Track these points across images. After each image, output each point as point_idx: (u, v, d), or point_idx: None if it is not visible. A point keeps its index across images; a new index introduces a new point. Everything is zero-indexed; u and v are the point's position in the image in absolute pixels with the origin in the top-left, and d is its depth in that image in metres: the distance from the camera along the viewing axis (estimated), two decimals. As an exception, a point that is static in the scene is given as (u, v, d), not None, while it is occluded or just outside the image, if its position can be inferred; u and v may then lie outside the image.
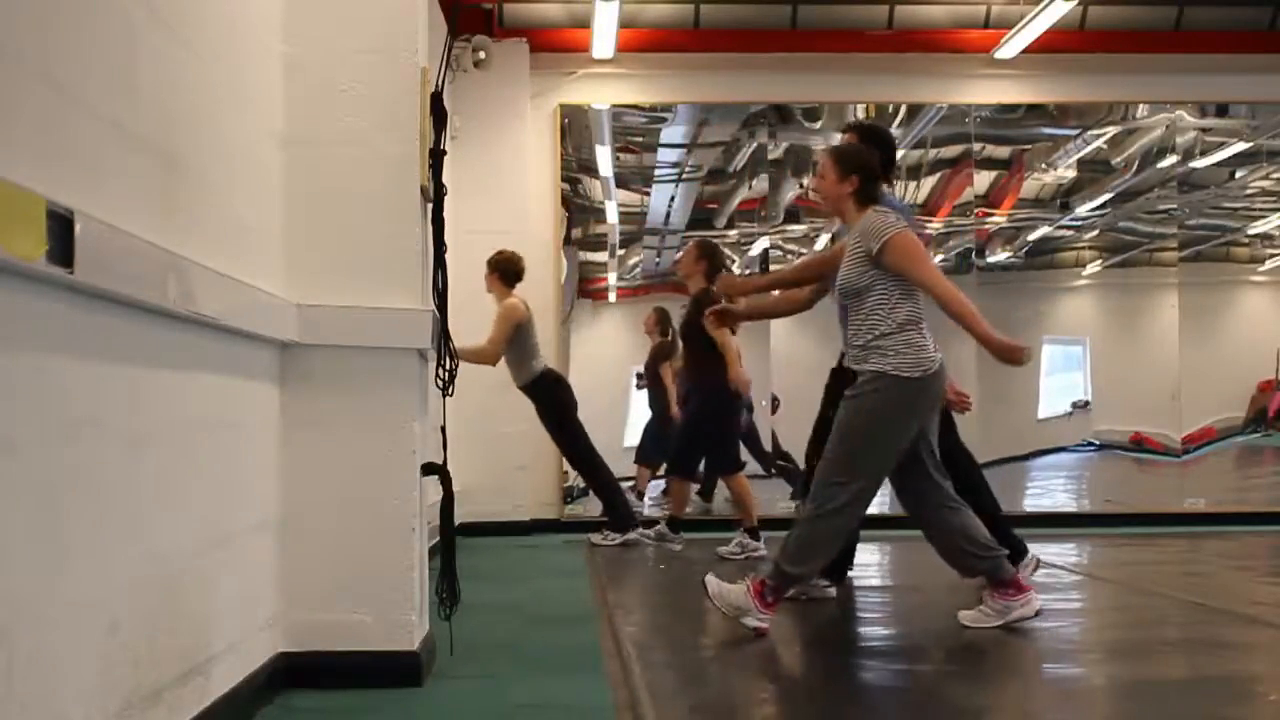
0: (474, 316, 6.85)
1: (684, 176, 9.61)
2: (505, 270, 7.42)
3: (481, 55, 8.88)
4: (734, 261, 9.58)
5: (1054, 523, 9.26)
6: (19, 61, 1.88)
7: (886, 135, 5.39)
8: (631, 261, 9.59)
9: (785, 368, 9.20)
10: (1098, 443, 9.61)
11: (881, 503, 9.46)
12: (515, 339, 7.30)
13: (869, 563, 6.97)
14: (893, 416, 4.32)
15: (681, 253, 7.81)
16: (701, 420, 7.15)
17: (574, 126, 9.47)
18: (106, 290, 2.13)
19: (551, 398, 7.54)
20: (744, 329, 9.20)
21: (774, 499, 8.90)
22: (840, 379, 5.58)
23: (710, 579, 4.41)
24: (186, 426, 2.67)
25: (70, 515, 2.06)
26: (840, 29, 9.48)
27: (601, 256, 9.56)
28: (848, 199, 4.47)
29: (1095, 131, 9.70)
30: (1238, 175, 9.87)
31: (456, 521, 3.87)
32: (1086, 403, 9.67)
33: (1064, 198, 9.73)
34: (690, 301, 7.14)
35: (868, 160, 4.54)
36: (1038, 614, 4.50)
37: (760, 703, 3.67)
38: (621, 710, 3.23)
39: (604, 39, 8.82)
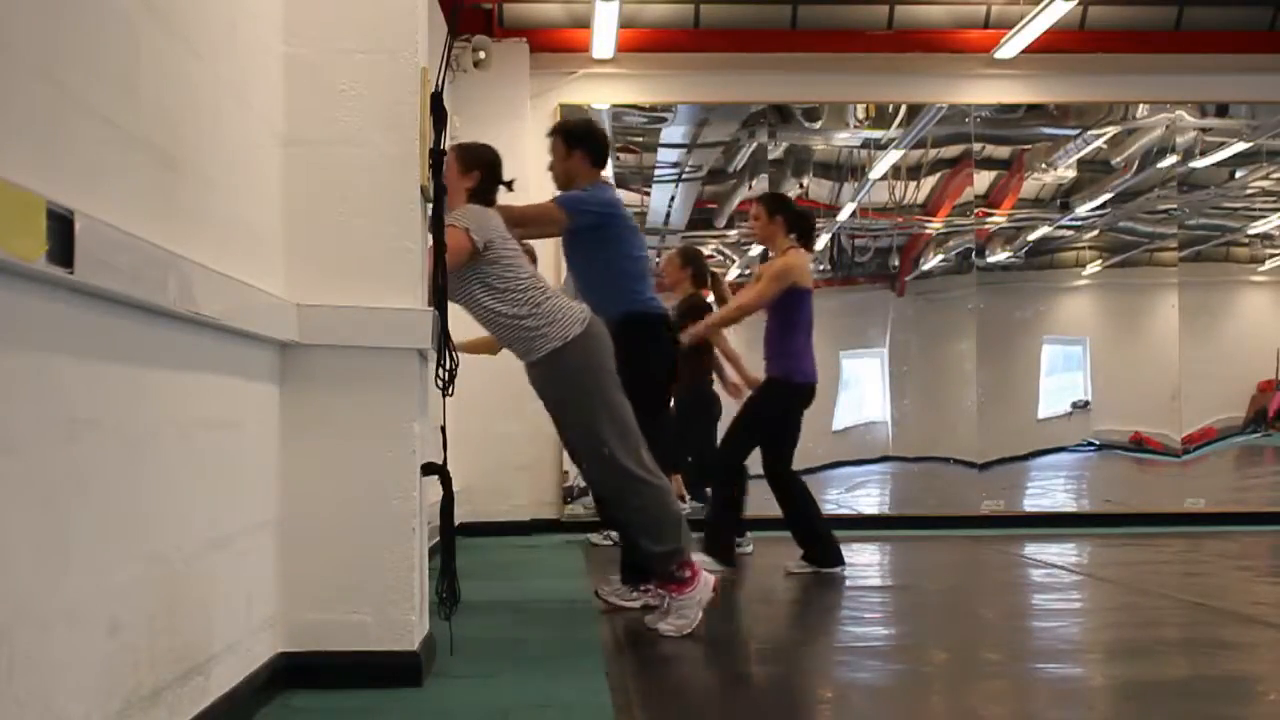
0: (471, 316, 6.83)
1: (684, 176, 9.61)
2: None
3: (481, 55, 8.88)
4: (734, 261, 9.59)
5: (1054, 523, 9.28)
6: (18, 60, 1.88)
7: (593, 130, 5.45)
8: (632, 260, 9.58)
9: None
10: (1098, 443, 9.61)
11: (882, 503, 9.57)
12: None
13: (868, 563, 6.97)
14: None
15: (664, 262, 7.73)
16: (684, 420, 7.14)
17: (574, 126, 9.45)
18: (106, 290, 2.13)
19: None
20: (743, 330, 9.23)
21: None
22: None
23: (664, 629, 4.30)
24: (186, 426, 2.67)
25: (70, 515, 2.06)
26: (840, 29, 9.48)
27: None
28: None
29: (1095, 131, 9.70)
30: (1238, 175, 9.87)
31: (456, 521, 3.86)
32: (1086, 403, 9.67)
33: (1064, 198, 9.73)
34: (682, 308, 7.09)
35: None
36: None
37: (759, 703, 3.67)
38: (621, 710, 3.23)
39: (604, 39, 8.82)
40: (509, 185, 4.50)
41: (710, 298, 7.22)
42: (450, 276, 3.96)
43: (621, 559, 5.04)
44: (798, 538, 6.14)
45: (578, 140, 5.09)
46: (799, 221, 6.27)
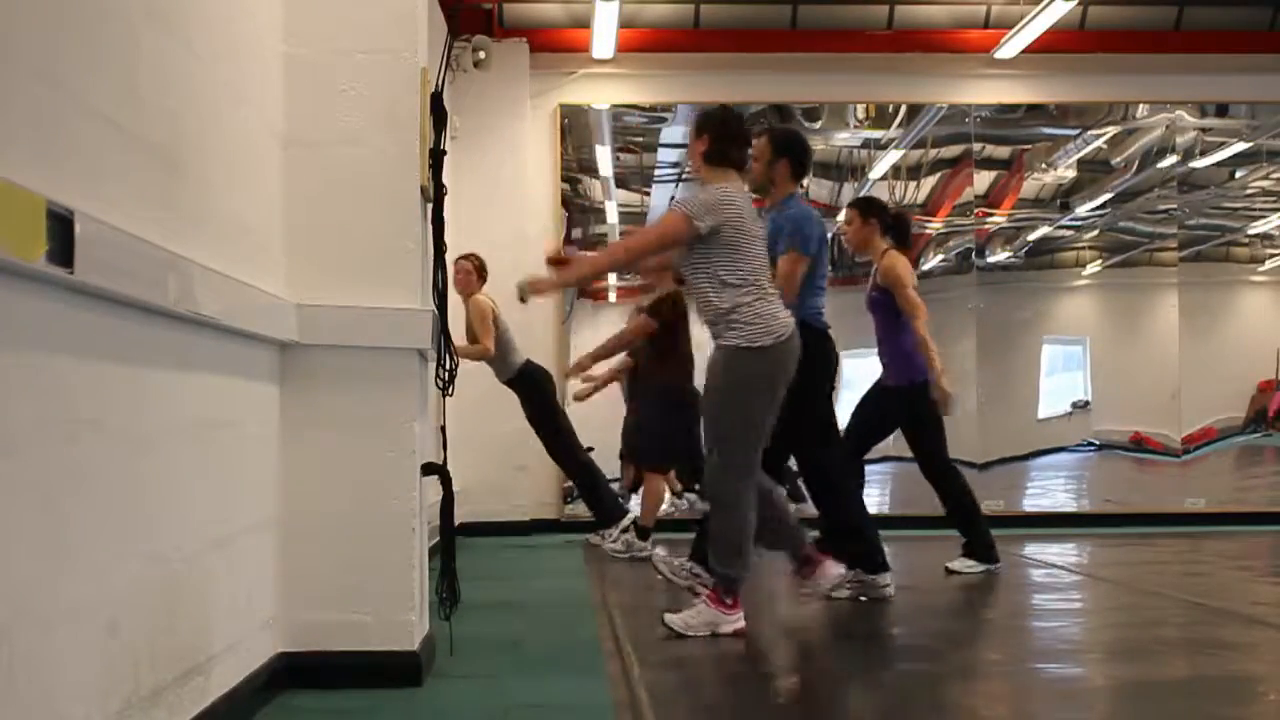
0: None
1: (684, 176, 9.61)
2: (481, 269, 7.50)
3: (481, 55, 8.88)
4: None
5: (1054, 523, 9.27)
6: (18, 61, 1.88)
7: (799, 137, 5.40)
8: (631, 261, 9.58)
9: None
10: (1098, 443, 9.61)
11: (883, 502, 9.56)
12: (496, 334, 7.36)
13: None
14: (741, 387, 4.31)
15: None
16: (649, 418, 7.14)
17: (574, 126, 9.47)
18: (106, 290, 2.13)
19: (538, 388, 7.55)
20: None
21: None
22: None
23: (671, 619, 4.32)
24: (187, 426, 2.67)
25: (70, 515, 2.06)
26: (840, 29, 9.47)
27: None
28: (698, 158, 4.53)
29: (1095, 131, 9.70)
30: (1238, 175, 9.87)
31: (456, 521, 3.87)
32: (1086, 403, 9.67)
33: (1064, 198, 9.73)
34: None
35: (720, 123, 4.57)
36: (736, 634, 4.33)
37: (759, 703, 3.67)
38: (621, 710, 3.23)
39: (604, 39, 8.82)
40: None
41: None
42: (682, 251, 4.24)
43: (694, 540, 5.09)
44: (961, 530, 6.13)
45: (786, 150, 5.10)
46: (895, 223, 6.20)
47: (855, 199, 6.90)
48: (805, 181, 5.26)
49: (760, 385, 4.27)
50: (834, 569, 4.65)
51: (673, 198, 9.58)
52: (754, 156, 5.09)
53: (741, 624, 4.30)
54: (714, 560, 4.32)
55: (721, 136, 4.42)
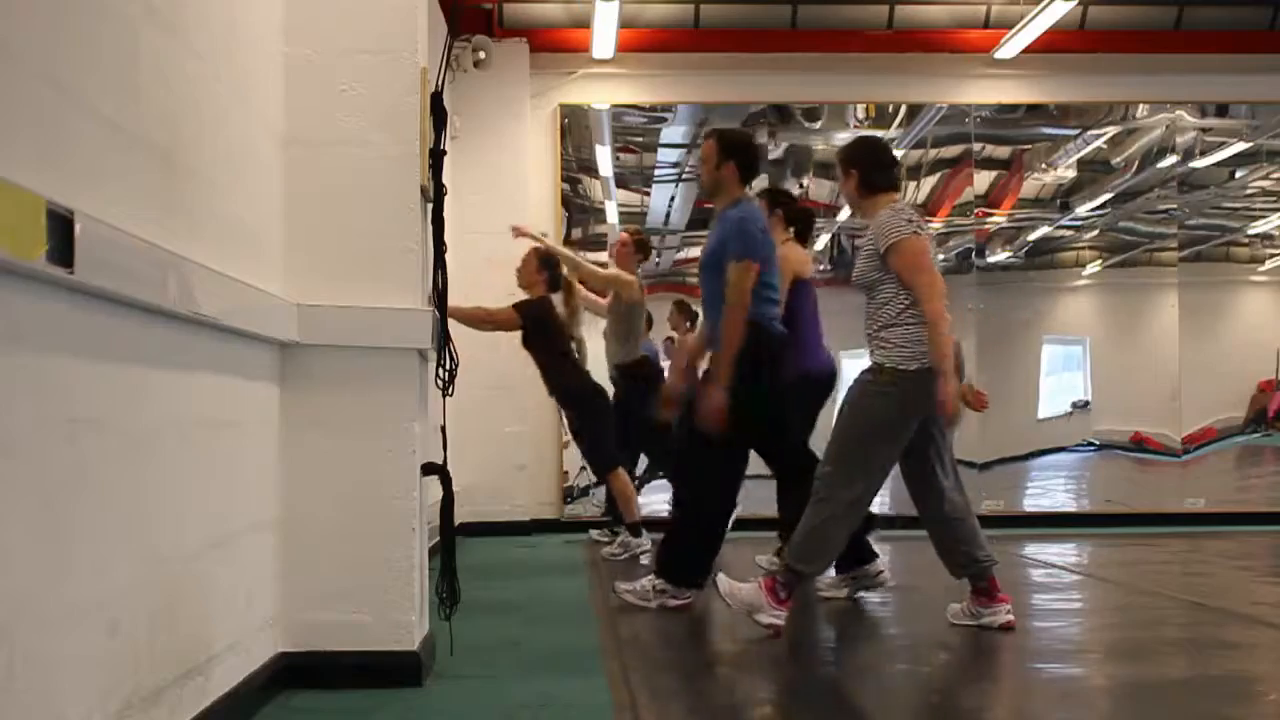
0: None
1: (684, 176, 9.61)
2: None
3: (481, 55, 8.88)
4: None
5: (1054, 523, 9.27)
6: (20, 61, 1.88)
7: (746, 140, 5.35)
8: (631, 261, 9.58)
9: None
10: (1098, 443, 9.61)
11: (883, 502, 9.55)
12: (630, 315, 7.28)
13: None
14: (891, 412, 4.31)
15: (522, 260, 7.47)
16: (580, 429, 7.07)
17: (574, 126, 9.47)
18: (106, 290, 2.13)
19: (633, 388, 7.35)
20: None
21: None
22: None
23: (721, 578, 4.44)
24: (186, 426, 2.67)
25: (70, 515, 2.06)
26: (840, 29, 9.47)
27: (602, 256, 9.55)
28: (853, 192, 4.57)
29: (1095, 131, 9.70)
30: (1238, 175, 9.87)
31: (456, 521, 3.86)
32: (1086, 403, 9.66)
33: (1064, 198, 9.73)
34: (530, 310, 6.84)
35: (863, 151, 4.64)
36: (1006, 627, 4.43)
37: (759, 703, 3.67)
38: (621, 710, 3.23)
39: (604, 39, 8.82)
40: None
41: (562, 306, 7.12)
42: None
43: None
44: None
45: (733, 152, 5.05)
46: (797, 216, 6.25)
47: (761, 189, 6.87)
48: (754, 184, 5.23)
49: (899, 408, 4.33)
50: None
51: (672, 198, 9.60)
52: (701, 159, 5.13)
53: (779, 623, 4.34)
54: (794, 552, 4.34)
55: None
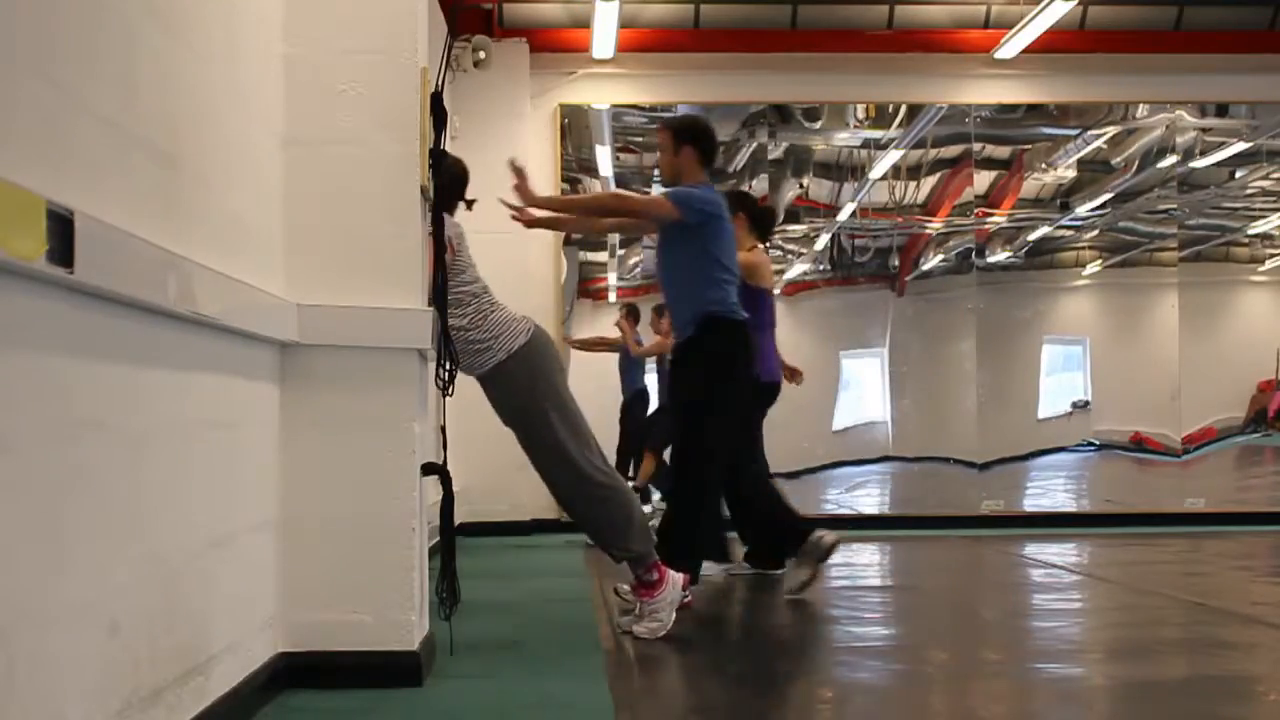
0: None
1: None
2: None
3: (481, 55, 8.88)
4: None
5: (1054, 523, 9.28)
6: (18, 61, 1.88)
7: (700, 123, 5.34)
8: (631, 261, 9.60)
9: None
10: (1098, 443, 9.61)
11: (882, 502, 9.56)
12: None
13: (868, 562, 6.97)
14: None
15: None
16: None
17: (574, 126, 9.47)
18: (106, 290, 2.13)
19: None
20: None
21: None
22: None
23: (636, 629, 4.30)
24: (186, 426, 2.67)
25: (70, 515, 2.06)
26: (840, 29, 9.48)
27: (601, 256, 9.57)
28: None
29: (1095, 131, 9.70)
30: (1238, 175, 9.88)
31: (456, 521, 3.87)
32: (1086, 403, 9.67)
33: (1064, 198, 9.73)
34: None
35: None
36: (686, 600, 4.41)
37: (759, 703, 3.67)
38: (621, 710, 3.23)
39: (604, 39, 8.82)
40: (469, 204, 4.47)
41: None
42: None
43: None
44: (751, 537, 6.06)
45: (688, 137, 5.06)
46: (760, 221, 6.28)
47: (726, 191, 6.90)
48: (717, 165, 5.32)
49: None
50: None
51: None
52: (659, 148, 5.14)
53: (680, 576, 4.35)
54: (615, 551, 4.30)
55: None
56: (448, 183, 4.10)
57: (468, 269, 4.23)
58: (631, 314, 8.78)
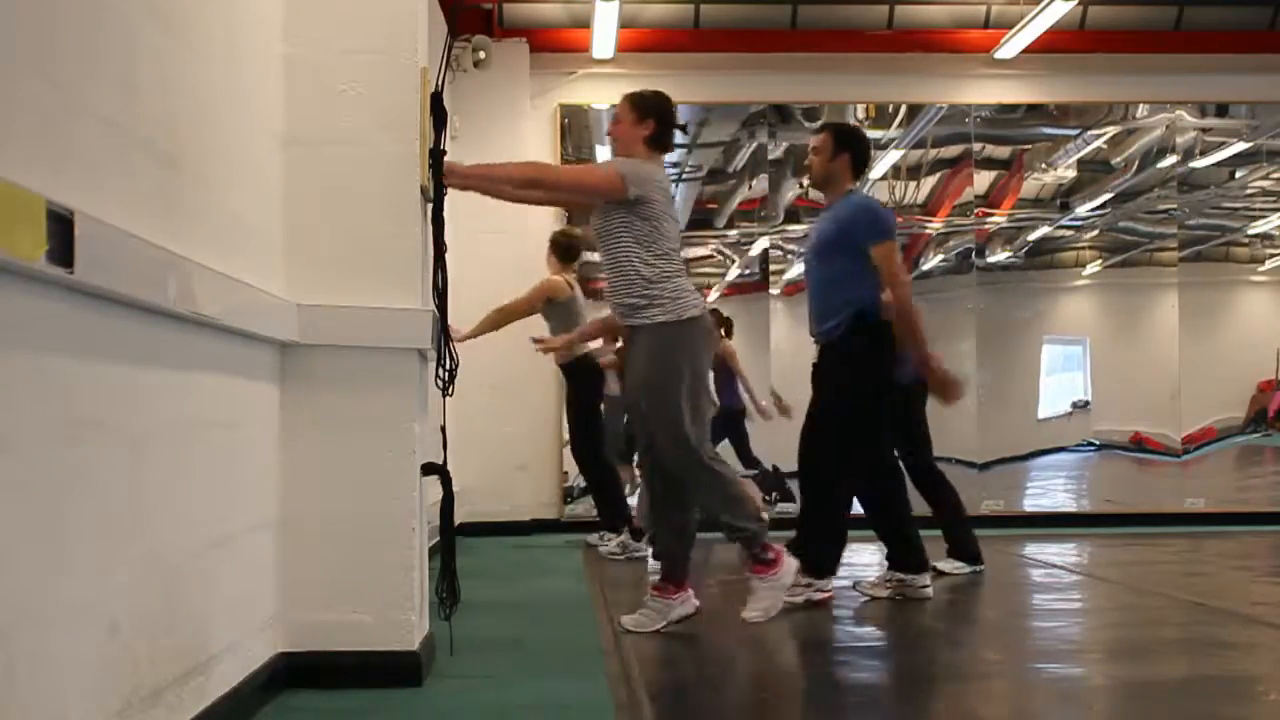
0: (474, 316, 6.83)
1: (684, 176, 9.61)
2: (559, 245, 7.47)
3: (481, 55, 8.88)
4: (733, 261, 9.58)
5: (1054, 523, 9.27)
6: (18, 61, 1.88)
7: (860, 134, 5.41)
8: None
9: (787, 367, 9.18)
10: (1098, 443, 9.61)
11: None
12: (557, 315, 7.27)
13: (868, 562, 6.96)
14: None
15: None
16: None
17: (574, 126, 9.47)
18: (106, 290, 2.13)
19: (588, 381, 7.44)
20: (743, 332, 9.22)
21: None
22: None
23: (746, 614, 4.46)
24: (186, 426, 2.67)
25: (70, 515, 2.06)
26: (840, 29, 9.48)
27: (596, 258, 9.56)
28: (639, 143, 4.57)
29: (1095, 131, 9.70)
30: (1238, 175, 9.87)
31: (456, 521, 3.87)
32: (1086, 403, 9.67)
33: (1064, 198, 9.73)
34: None
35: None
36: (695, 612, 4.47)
37: (759, 703, 3.67)
38: (621, 710, 3.23)
39: (604, 39, 8.82)
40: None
41: None
42: (601, 213, 4.30)
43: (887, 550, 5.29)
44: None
45: (846, 143, 5.13)
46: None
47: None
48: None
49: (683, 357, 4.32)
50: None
51: (672, 198, 9.58)
52: (814, 150, 5.15)
53: (795, 563, 4.50)
54: (730, 522, 4.38)
55: (668, 124, 4.59)
56: (659, 120, 4.50)
57: (670, 223, 4.38)
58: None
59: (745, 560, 4.50)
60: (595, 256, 5.39)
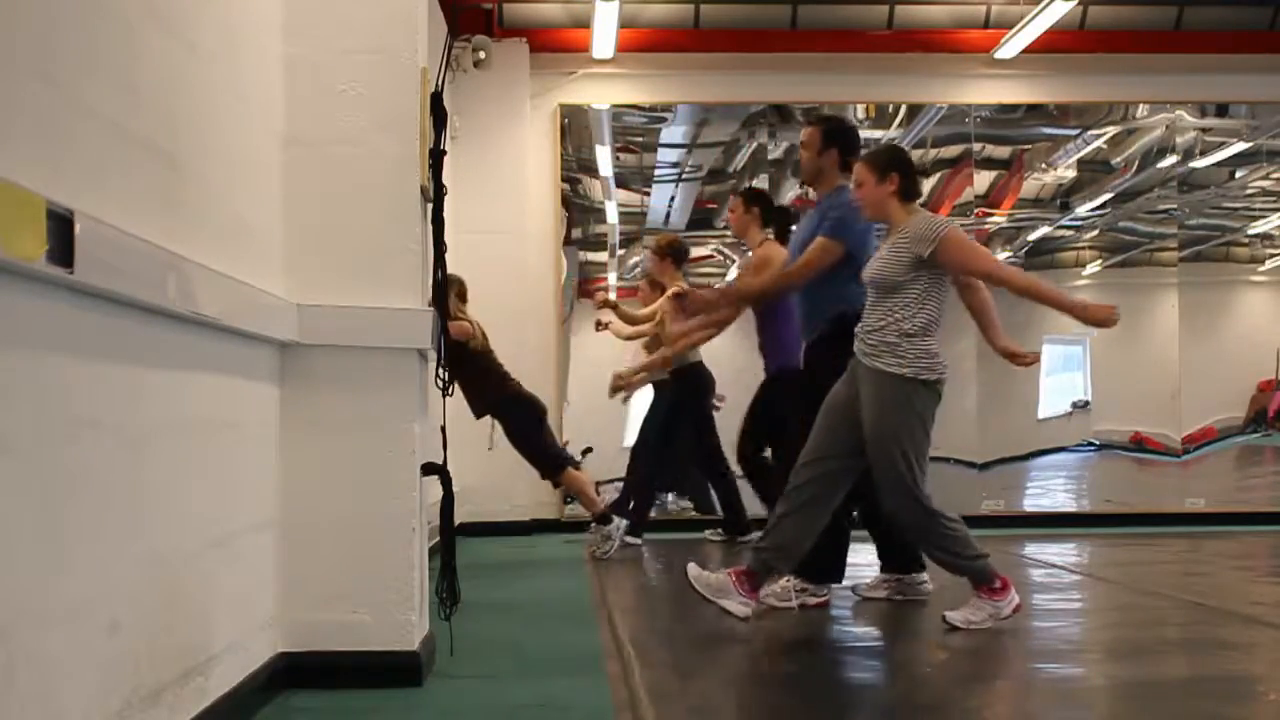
0: (475, 316, 6.84)
1: (684, 176, 9.61)
2: (677, 250, 7.41)
3: (481, 55, 8.88)
4: (734, 262, 9.58)
5: (1054, 523, 9.27)
6: (19, 61, 1.89)
7: (849, 126, 5.42)
8: (631, 261, 9.59)
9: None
10: (1098, 443, 9.61)
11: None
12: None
13: (868, 563, 6.96)
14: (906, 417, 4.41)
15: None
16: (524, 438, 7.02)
17: (574, 126, 9.47)
18: (106, 290, 2.13)
19: (696, 389, 7.40)
20: (744, 332, 9.21)
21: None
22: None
23: (691, 566, 4.55)
24: (186, 426, 2.67)
25: (70, 515, 2.06)
26: (840, 29, 9.47)
27: (601, 256, 9.56)
28: (890, 199, 4.54)
29: (1095, 131, 9.69)
30: (1238, 175, 9.87)
31: (456, 521, 3.87)
32: (1086, 403, 9.66)
33: (1064, 198, 9.73)
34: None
35: (901, 156, 4.72)
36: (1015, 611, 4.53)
37: (759, 703, 3.67)
38: (621, 710, 3.23)
39: (604, 39, 8.82)
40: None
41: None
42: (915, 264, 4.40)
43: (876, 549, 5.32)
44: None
45: (834, 138, 5.13)
46: (774, 215, 6.43)
47: (743, 189, 6.96)
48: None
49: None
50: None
51: (672, 198, 9.59)
52: (802, 145, 5.16)
53: (747, 612, 4.46)
54: (955, 562, 4.54)
55: (910, 173, 4.58)
56: (901, 172, 4.52)
57: (941, 297, 4.62)
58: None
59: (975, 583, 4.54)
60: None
